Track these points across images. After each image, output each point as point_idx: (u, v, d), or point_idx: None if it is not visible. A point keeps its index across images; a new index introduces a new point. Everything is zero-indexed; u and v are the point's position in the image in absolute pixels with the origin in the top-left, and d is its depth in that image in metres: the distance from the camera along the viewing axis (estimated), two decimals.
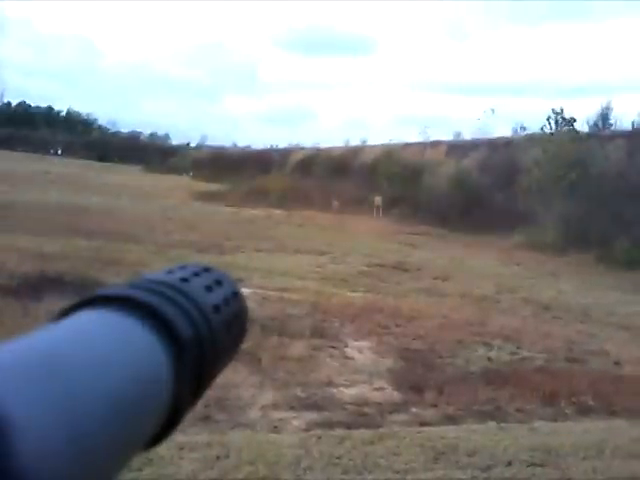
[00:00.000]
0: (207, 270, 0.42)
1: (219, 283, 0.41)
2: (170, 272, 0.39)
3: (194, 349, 0.35)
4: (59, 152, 67.13)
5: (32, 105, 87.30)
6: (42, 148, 64.78)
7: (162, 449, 3.62)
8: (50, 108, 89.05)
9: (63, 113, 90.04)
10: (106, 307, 0.33)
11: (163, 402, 0.32)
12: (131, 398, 0.29)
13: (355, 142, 39.87)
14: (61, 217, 14.35)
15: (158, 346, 0.33)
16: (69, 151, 66.87)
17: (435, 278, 11.10)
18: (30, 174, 31.03)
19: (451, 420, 4.55)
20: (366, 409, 4.65)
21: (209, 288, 0.39)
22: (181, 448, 3.66)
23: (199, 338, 0.36)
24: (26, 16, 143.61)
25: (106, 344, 0.30)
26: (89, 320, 0.32)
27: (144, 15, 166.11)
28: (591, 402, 5.12)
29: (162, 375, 0.32)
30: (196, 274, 0.40)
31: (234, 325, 0.40)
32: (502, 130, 29.93)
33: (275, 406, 4.56)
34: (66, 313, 0.32)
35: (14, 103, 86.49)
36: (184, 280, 0.38)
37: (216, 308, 0.38)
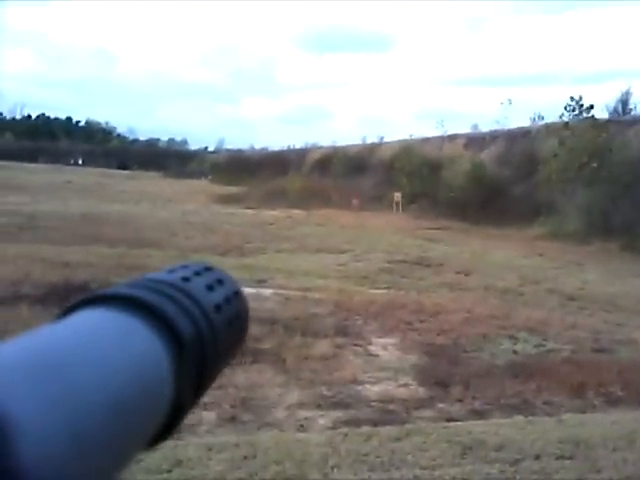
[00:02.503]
0: (209, 269, 0.42)
1: (220, 282, 0.41)
2: (172, 271, 0.39)
3: (195, 348, 0.35)
4: (80, 162, 67.98)
5: (52, 117, 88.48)
6: (63, 159, 65.62)
7: (190, 450, 3.66)
8: (69, 119, 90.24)
9: (82, 123, 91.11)
10: (107, 306, 0.33)
11: (164, 401, 0.32)
12: (132, 397, 0.29)
13: (372, 139, 39.72)
14: (83, 226, 14.55)
15: (159, 345, 0.32)
16: (89, 160, 67.68)
17: (457, 272, 11.02)
18: (52, 184, 31.49)
19: (478, 415, 4.52)
20: (392, 406, 4.65)
21: (210, 287, 0.39)
22: (209, 449, 3.69)
23: (200, 337, 0.35)
24: (42, 29, 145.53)
25: (107, 343, 0.30)
26: (90, 319, 0.32)
27: (160, 22, 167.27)
28: (620, 392, 5.05)
29: (163, 374, 0.32)
30: (197, 273, 0.40)
31: (235, 324, 0.40)
32: (520, 121, 29.48)
33: (301, 405, 4.57)
34: (67, 312, 0.32)
35: (34, 115, 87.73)
36: (185, 279, 0.38)
37: (217, 307, 0.38)
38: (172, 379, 0.32)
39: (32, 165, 53.74)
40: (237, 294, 0.42)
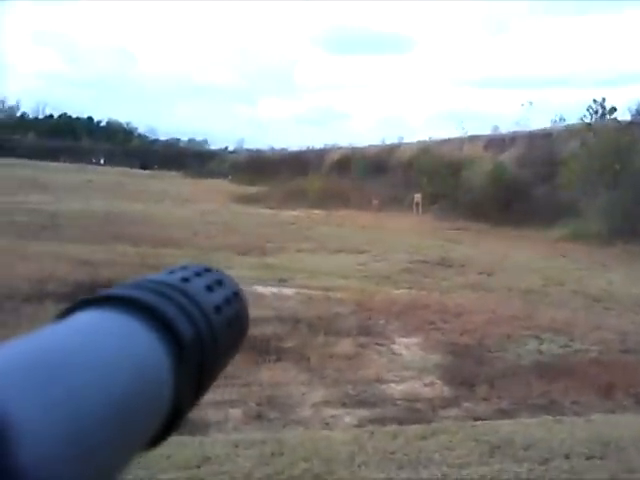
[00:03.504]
0: (208, 270, 0.42)
1: (220, 283, 0.41)
2: (171, 272, 0.40)
3: (195, 349, 0.35)
4: (101, 161, 68.76)
5: (73, 116, 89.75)
6: (85, 158, 66.41)
7: (218, 447, 3.68)
8: (90, 119, 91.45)
9: (103, 123, 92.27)
10: (107, 307, 0.33)
11: (164, 402, 0.32)
12: (132, 398, 0.29)
13: (392, 140, 39.57)
14: (105, 225, 14.69)
15: (159, 346, 0.32)
16: (110, 160, 68.42)
17: (480, 273, 10.95)
18: (74, 184, 31.87)
19: (504, 414, 4.49)
20: (417, 405, 4.63)
21: (210, 288, 0.40)
22: (236, 446, 3.70)
23: (200, 338, 0.36)
24: (64, 29, 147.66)
25: (107, 344, 0.30)
26: (89, 320, 0.32)
27: (179, 22, 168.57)
28: None
29: (163, 375, 0.32)
30: (197, 274, 0.40)
31: (235, 324, 0.40)
32: (541, 122, 29.18)
33: (326, 403, 4.57)
34: (67, 313, 0.32)
35: (56, 115, 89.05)
36: (185, 280, 0.38)
37: (217, 308, 0.39)
38: (172, 380, 0.32)
39: (54, 164, 54.41)
40: (237, 295, 0.42)
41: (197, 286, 0.38)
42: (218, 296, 0.40)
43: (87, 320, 0.32)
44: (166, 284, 0.37)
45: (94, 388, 0.27)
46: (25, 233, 12.25)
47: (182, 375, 0.33)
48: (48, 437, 0.23)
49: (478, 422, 4.24)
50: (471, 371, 5.32)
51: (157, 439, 0.33)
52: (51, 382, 0.25)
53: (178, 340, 0.34)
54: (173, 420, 0.33)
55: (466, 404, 4.66)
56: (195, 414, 4.12)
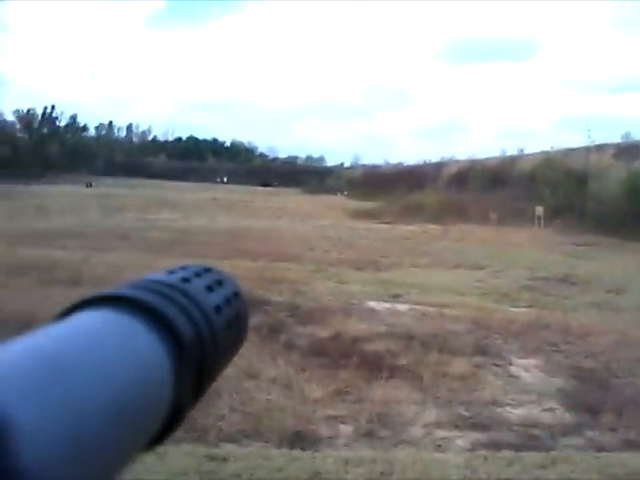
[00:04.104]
0: (208, 270, 0.42)
1: (220, 283, 0.41)
2: (171, 272, 0.40)
3: (195, 349, 0.35)
4: (225, 180, 72.19)
5: (200, 138, 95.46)
6: (210, 177, 70.06)
7: (328, 463, 3.72)
8: (215, 140, 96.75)
9: (227, 144, 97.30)
10: (107, 307, 0.33)
11: (164, 402, 0.32)
12: (132, 398, 0.29)
13: (512, 151, 38.21)
14: (228, 240, 15.36)
15: (159, 346, 0.33)
16: (233, 178, 71.67)
17: (608, 291, 10.25)
18: (200, 201, 33.69)
19: (633, 446, 4.17)
20: (535, 431, 4.42)
21: (210, 288, 0.40)
22: (346, 463, 3.72)
23: (200, 338, 0.36)
24: (189, 56, 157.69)
25: (107, 344, 0.30)
26: (90, 320, 0.32)
27: (295, 42, 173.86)
28: None
29: (163, 375, 0.32)
30: (197, 274, 0.40)
31: (235, 325, 0.40)
32: None
33: (438, 425, 4.49)
34: (67, 313, 0.32)
35: (184, 137, 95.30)
36: (185, 280, 0.38)
37: (217, 308, 0.38)
38: (172, 380, 0.33)
39: (183, 184, 57.92)
40: (237, 295, 0.42)
41: (197, 286, 0.39)
42: (218, 296, 0.40)
43: (87, 320, 0.32)
44: (166, 284, 0.37)
45: (94, 388, 0.27)
46: (156, 248, 13.08)
47: (182, 375, 0.34)
48: (48, 437, 0.23)
49: (603, 453, 3.96)
50: (596, 397, 4.99)
51: (157, 439, 0.33)
52: (51, 382, 0.25)
53: (178, 340, 0.34)
54: (173, 420, 0.33)
55: (589, 433, 4.37)
56: (307, 428, 4.20)
